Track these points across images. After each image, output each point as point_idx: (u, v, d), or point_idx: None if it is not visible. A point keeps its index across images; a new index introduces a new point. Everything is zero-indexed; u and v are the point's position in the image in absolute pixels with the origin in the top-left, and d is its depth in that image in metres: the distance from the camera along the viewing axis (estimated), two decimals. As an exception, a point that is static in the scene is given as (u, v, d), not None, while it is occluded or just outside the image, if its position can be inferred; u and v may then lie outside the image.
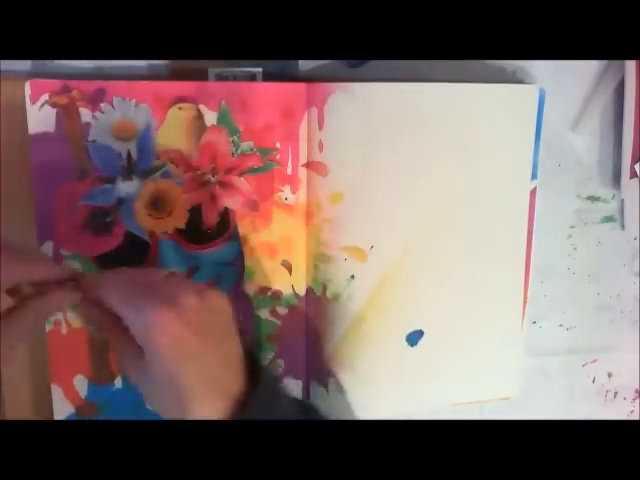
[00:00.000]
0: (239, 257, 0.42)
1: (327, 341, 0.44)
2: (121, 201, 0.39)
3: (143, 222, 0.40)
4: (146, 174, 0.39)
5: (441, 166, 0.44)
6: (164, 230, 0.40)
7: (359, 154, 0.42)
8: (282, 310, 0.43)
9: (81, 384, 0.41)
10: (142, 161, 0.39)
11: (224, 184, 0.41)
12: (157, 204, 0.40)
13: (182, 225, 0.40)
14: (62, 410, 0.41)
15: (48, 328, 0.40)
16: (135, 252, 0.40)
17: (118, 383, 0.41)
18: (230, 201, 0.41)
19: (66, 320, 0.40)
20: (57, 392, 0.41)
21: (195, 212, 0.40)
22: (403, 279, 0.44)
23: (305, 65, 0.42)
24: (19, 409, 0.41)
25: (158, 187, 0.40)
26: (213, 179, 0.40)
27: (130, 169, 0.39)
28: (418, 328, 0.46)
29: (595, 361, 0.53)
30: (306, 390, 0.45)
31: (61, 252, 0.39)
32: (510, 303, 0.48)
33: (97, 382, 0.41)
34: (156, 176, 0.39)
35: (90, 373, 0.41)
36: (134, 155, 0.39)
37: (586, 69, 0.48)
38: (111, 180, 0.39)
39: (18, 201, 0.39)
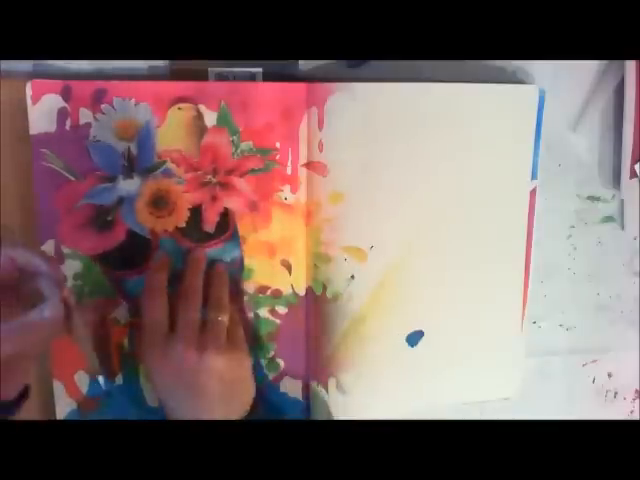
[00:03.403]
0: (239, 256, 0.42)
1: (327, 341, 0.44)
2: (122, 200, 0.39)
3: (144, 220, 0.40)
4: (147, 172, 0.39)
5: (441, 166, 0.44)
6: (165, 228, 0.40)
7: (359, 154, 0.42)
8: (282, 309, 0.43)
9: (82, 380, 0.41)
10: (143, 159, 0.39)
11: (225, 185, 0.41)
12: (158, 202, 0.40)
13: (183, 224, 0.40)
14: (64, 405, 0.41)
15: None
16: (137, 251, 0.40)
17: (119, 379, 0.42)
18: (230, 201, 0.41)
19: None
20: (59, 388, 0.41)
21: (195, 212, 0.40)
22: (403, 279, 0.44)
23: (305, 65, 0.42)
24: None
25: (159, 185, 0.40)
26: (214, 180, 0.40)
27: (131, 167, 0.39)
28: (418, 328, 0.46)
29: (595, 361, 0.53)
30: (305, 390, 0.45)
31: (62, 251, 0.39)
32: (510, 303, 0.47)
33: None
34: (157, 174, 0.39)
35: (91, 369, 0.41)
36: (135, 153, 0.39)
37: (586, 69, 0.48)
38: (112, 179, 0.39)
39: (18, 201, 0.39)
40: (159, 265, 0.40)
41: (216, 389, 0.37)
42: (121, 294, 0.41)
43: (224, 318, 0.39)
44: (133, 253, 0.40)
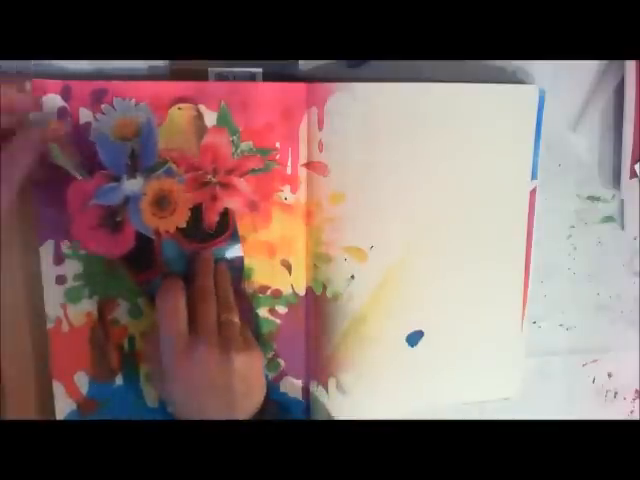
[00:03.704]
0: (239, 256, 0.42)
1: (327, 341, 0.44)
2: (128, 200, 0.39)
3: (148, 221, 0.40)
4: (150, 171, 0.39)
5: (441, 166, 0.44)
6: (167, 229, 0.40)
7: (359, 154, 0.42)
8: (282, 309, 0.43)
9: (82, 381, 0.41)
10: (145, 159, 0.39)
11: (225, 185, 0.41)
12: (161, 202, 0.40)
13: (183, 224, 0.40)
14: (63, 406, 0.41)
15: (50, 326, 0.40)
16: (142, 252, 0.40)
17: (119, 380, 0.42)
18: (230, 201, 0.41)
19: (67, 318, 0.40)
20: (58, 389, 0.41)
21: (196, 211, 0.40)
22: (403, 279, 0.44)
23: (305, 65, 0.42)
24: (20, 406, 0.41)
25: (162, 185, 0.39)
26: (214, 179, 0.40)
27: (134, 166, 0.39)
28: (418, 328, 0.46)
29: (595, 361, 0.53)
30: (305, 390, 0.45)
31: (63, 251, 0.39)
32: (510, 303, 0.48)
33: (98, 379, 0.41)
34: (159, 173, 0.39)
35: (91, 370, 0.41)
36: (137, 153, 0.39)
37: (586, 69, 0.48)
38: (117, 178, 0.39)
39: (18, 201, 0.39)
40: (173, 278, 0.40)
41: (238, 387, 0.37)
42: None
43: (236, 318, 0.39)
44: (139, 254, 0.40)
